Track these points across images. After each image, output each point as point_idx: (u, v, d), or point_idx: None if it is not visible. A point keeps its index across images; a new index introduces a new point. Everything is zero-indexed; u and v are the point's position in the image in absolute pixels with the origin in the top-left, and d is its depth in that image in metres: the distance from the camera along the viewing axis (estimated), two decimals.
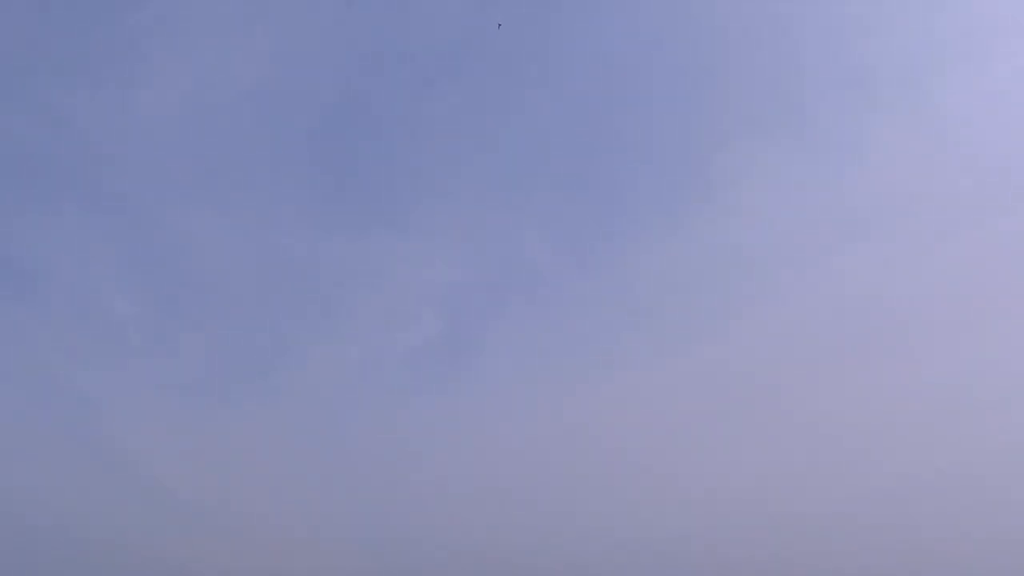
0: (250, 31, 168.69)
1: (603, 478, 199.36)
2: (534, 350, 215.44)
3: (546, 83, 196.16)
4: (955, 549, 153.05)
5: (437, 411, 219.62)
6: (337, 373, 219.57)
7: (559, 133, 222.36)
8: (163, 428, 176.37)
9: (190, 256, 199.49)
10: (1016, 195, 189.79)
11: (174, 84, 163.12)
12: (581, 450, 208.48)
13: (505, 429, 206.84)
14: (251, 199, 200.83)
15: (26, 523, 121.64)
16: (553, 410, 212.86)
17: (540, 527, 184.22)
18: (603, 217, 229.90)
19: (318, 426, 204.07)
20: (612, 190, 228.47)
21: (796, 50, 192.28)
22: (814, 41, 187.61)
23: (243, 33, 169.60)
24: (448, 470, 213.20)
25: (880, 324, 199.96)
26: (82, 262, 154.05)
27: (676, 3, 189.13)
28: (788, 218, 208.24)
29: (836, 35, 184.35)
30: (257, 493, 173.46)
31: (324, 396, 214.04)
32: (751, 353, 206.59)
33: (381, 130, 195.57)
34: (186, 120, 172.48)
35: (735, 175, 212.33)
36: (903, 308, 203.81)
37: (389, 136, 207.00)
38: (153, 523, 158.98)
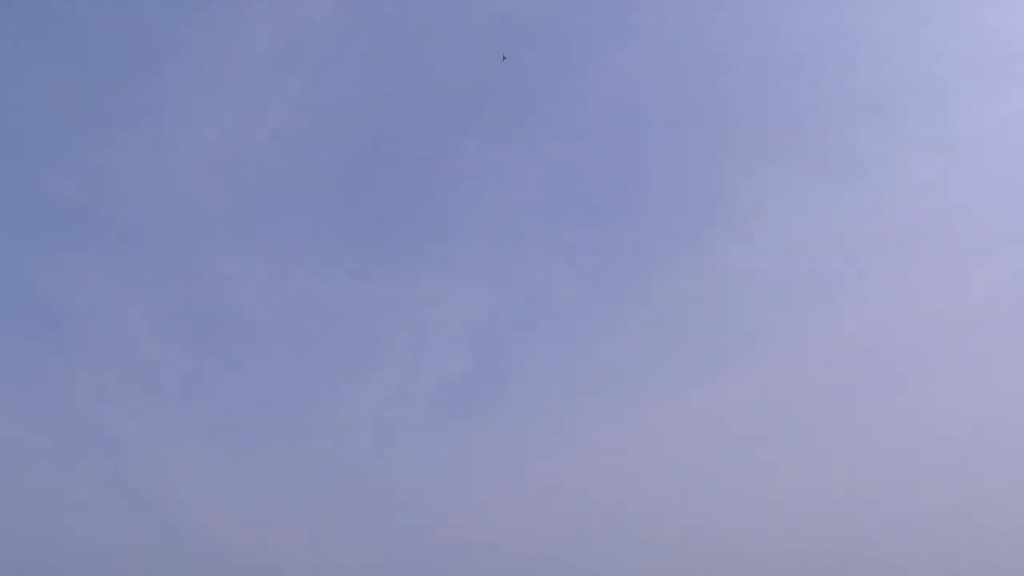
0: (277, 81, 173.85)
1: (633, 515, 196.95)
2: (561, 382, 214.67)
3: (567, 118, 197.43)
4: None
5: (465, 447, 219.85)
6: (367, 411, 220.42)
7: (581, 166, 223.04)
8: (197, 471, 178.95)
9: (224, 300, 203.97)
10: None
11: (205, 134, 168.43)
12: (610, 485, 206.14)
13: (534, 462, 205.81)
14: (283, 243, 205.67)
15: (61, 571, 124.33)
16: (582, 442, 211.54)
17: (571, 564, 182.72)
18: (627, 248, 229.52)
19: (349, 464, 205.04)
20: (635, 220, 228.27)
21: (817, 76, 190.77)
22: (835, 66, 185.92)
23: (270, 83, 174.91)
24: (478, 506, 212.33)
25: (907, 352, 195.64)
26: (117, 308, 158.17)
27: (695, 33, 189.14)
28: (812, 245, 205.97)
29: (857, 60, 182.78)
30: (292, 536, 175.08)
31: (355, 434, 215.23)
32: (780, 383, 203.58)
33: (407, 172, 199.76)
34: (218, 168, 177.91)
35: (758, 202, 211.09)
36: (931, 335, 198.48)
37: (415, 177, 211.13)
38: (190, 570, 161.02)
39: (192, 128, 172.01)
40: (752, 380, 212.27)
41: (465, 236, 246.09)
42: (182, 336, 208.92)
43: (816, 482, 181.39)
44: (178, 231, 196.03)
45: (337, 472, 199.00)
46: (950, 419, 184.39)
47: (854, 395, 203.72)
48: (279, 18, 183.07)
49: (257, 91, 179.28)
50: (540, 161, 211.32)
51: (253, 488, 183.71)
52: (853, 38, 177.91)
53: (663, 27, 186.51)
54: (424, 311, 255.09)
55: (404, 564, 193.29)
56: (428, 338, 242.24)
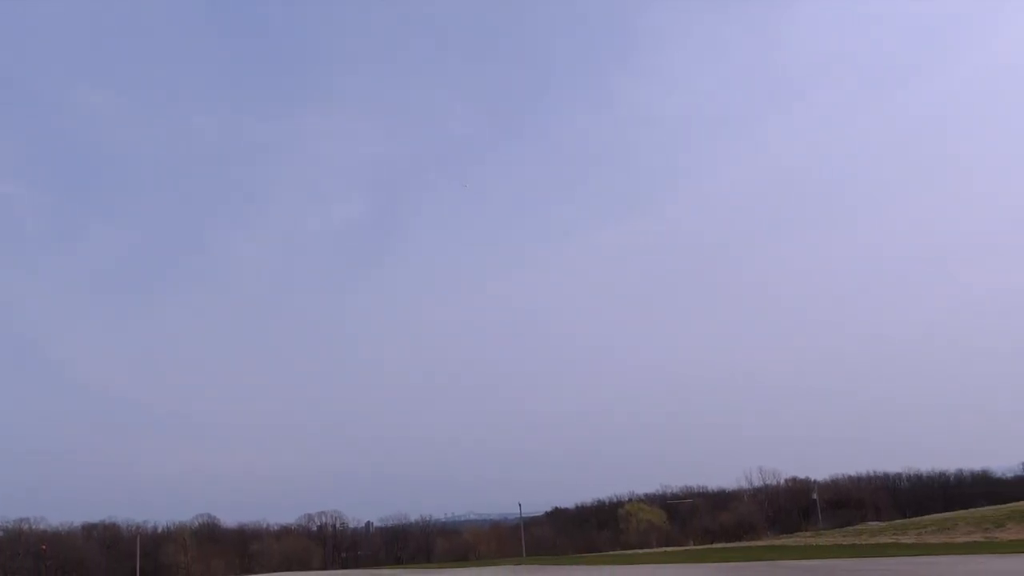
0: None
1: (542, 352, 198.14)
2: (466, 225, 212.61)
3: None
4: (898, 408, 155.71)
5: (368, 293, 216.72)
6: (260, 258, 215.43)
7: (482, 2, 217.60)
8: (83, 326, 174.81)
9: (86, 137, 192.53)
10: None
11: None
12: (521, 325, 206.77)
13: (441, 307, 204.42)
14: (150, 76, 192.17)
15: None
16: (490, 286, 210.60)
17: (482, 406, 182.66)
18: (529, 88, 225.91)
19: (244, 314, 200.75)
20: (536, 59, 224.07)
21: None
22: None
23: None
24: (384, 353, 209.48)
25: (815, 188, 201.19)
26: None
27: None
28: (715, 83, 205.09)
29: None
30: (188, 386, 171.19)
31: (248, 282, 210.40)
32: (690, 222, 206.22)
33: None
34: None
35: (659, 39, 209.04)
36: (839, 170, 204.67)
37: (300, 2, 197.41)
38: (85, 423, 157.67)
39: None
40: (664, 219, 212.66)
41: (362, 71, 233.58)
42: (40, 176, 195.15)
43: (732, 318, 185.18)
44: (27, 58, 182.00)
45: (231, 322, 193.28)
46: (866, 249, 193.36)
47: (769, 231, 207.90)
48: None
49: None
50: None
51: (143, 341, 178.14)
52: None
53: None
54: (314, 150, 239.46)
55: (299, 411, 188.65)
56: (320, 180, 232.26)
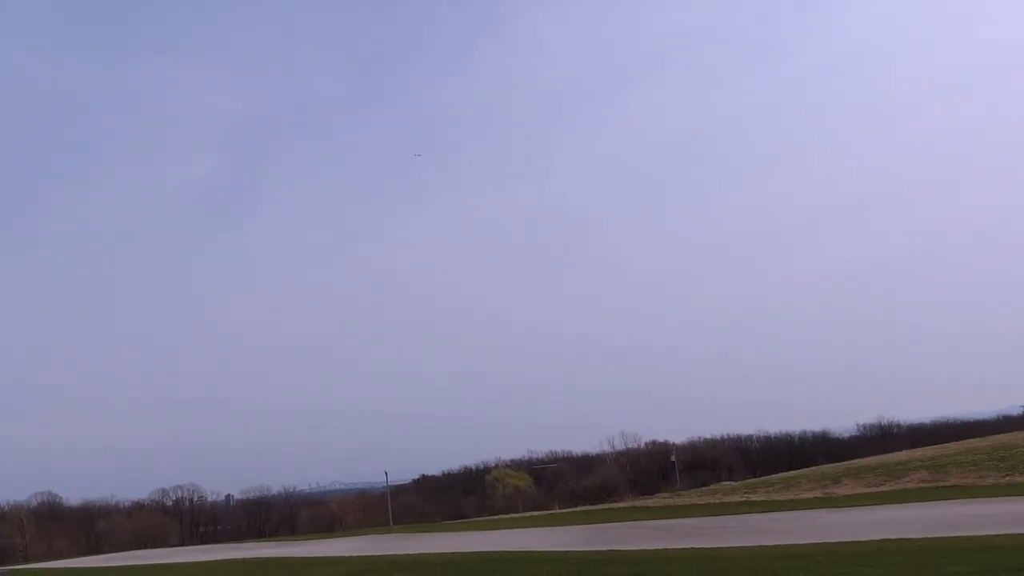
0: None
1: (405, 317, 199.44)
2: (330, 188, 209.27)
3: None
4: (748, 372, 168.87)
5: (222, 256, 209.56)
6: (100, 216, 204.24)
7: None
8: None
9: None
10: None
11: None
12: (385, 293, 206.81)
13: (304, 269, 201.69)
14: None
15: None
16: (352, 252, 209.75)
17: (345, 373, 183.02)
18: (395, 50, 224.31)
19: (81, 277, 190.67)
20: (405, 22, 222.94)
21: None
22: None
23: None
24: (241, 317, 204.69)
25: (689, 154, 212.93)
26: None
27: None
28: (584, 52, 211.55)
29: None
30: (22, 355, 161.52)
31: (86, 242, 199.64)
32: (566, 189, 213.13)
33: None
34: None
35: (525, 5, 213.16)
36: (709, 138, 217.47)
37: None
38: None
39: None
40: (539, 187, 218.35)
41: (218, 17, 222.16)
42: None
43: (608, 283, 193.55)
44: None
45: (66, 285, 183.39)
46: (749, 211, 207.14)
47: (644, 198, 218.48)
48: None
49: None
50: None
51: None
52: None
53: None
54: (165, 101, 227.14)
55: (147, 382, 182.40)
56: (169, 133, 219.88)
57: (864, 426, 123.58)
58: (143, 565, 41.19)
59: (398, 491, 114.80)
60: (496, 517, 69.40)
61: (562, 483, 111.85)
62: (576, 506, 76.58)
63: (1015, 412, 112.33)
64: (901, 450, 78.66)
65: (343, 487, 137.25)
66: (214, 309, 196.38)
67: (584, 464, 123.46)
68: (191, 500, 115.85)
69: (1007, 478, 38.71)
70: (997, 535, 18.51)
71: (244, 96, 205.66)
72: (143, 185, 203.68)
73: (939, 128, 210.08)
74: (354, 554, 33.22)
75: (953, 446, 66.49)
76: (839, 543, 20.16)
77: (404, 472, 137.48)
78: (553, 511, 72.10)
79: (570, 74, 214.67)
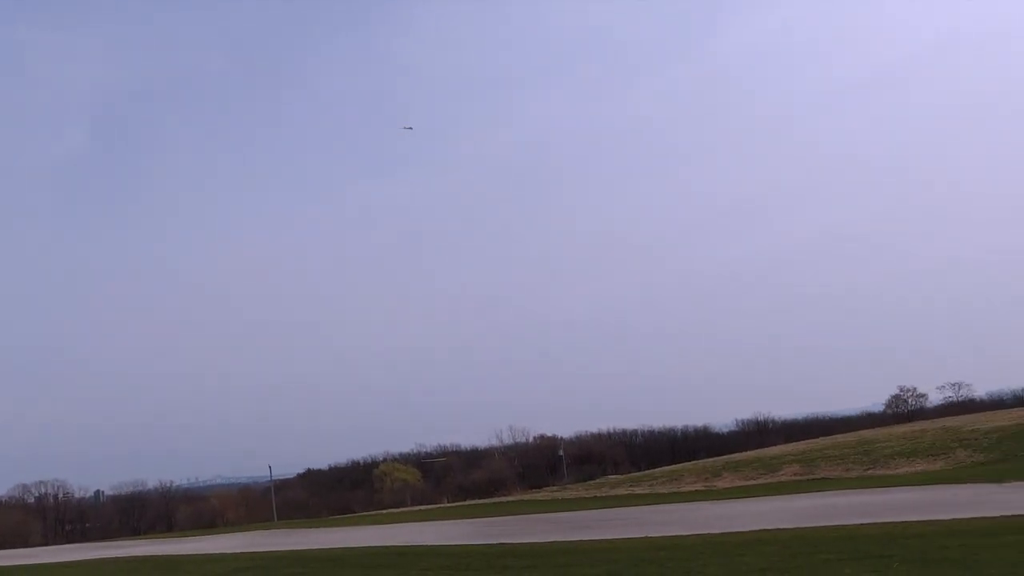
0: None
1: (291, 307, 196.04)
2: (212, 173, 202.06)
3: None
4: (634, 370, 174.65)
5: (93, 237, 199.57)
6: None
7: None
8: None
9: None
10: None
11: None
12: (271, 285, 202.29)
13: (175, 258, 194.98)
14: None
15: None
16: (236, 241, 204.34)
17: (226, 365, 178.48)
18: (288, 34, 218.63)
19: None
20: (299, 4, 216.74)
21: None
22: None
23: None
24: (117, 304, 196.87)
25: (560, 153, 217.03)
26: None
27: None
28: (465, 60, 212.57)
29: None
30: None
31: None
32: (449, 185, 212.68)
33: None
34: None
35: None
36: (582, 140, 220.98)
37: None
38: None
39: None
40: (428, 179, 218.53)
41: None
42: None
43: (483, 276, 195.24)
44: None
45: None
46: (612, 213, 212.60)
47: (518, 191, 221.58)
48: None
49: None
50: None
51: None
52: None
53: None
54: (24, 67, 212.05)
55: (34, 362, 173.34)
56: (32, 102, 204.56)
57: (742, 421, 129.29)
58: (5, 567, 38.64)
59: (282, 486, 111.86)
60: (384, 511, 68.79)
61: (451, 477, 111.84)
62: (465, 500, 76.75)
63: (878, 409, 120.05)
64: (776, 445, 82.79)
65: (224, 482, 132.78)
66: (84, 294, 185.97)
67: (473, 458, 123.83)
68: (56, 496, 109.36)
69: (870, 471, 41.36)
70: (862, 524, 19.73)
71: (120, 68, 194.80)
72: (14, 159, 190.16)
73: (807, 143, 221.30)
74: (237, 551, 32.19)
75: (822, 441, 70.54)
76: (720, 534, 21.01)
77: (289, 466, 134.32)
78: (442, 505, 72.06)
79: (453, 72, 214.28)
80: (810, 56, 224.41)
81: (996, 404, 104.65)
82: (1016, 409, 76.05)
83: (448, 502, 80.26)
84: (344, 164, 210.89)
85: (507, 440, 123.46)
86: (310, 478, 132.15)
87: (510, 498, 61.31)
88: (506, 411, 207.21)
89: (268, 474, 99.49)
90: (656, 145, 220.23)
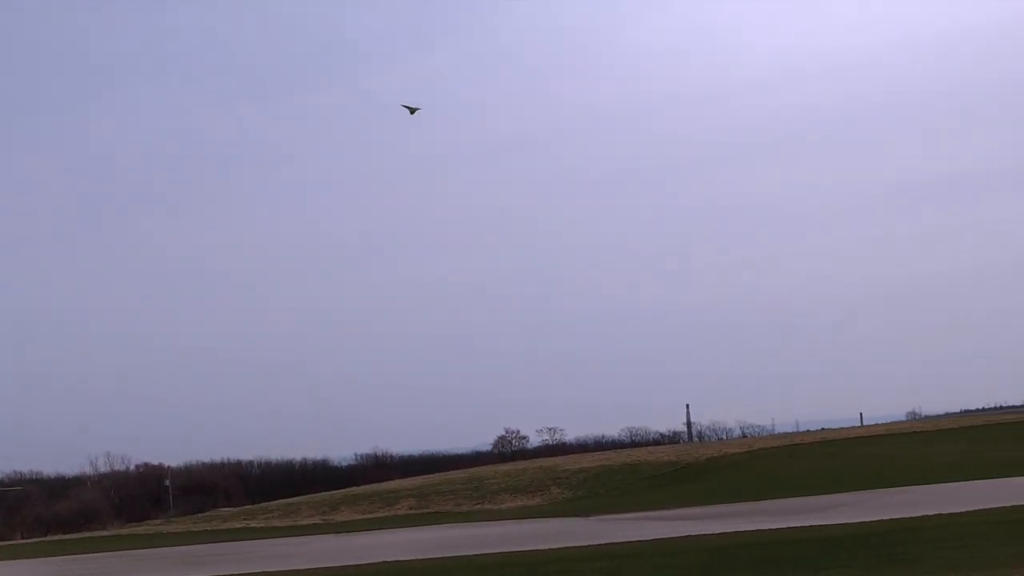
0: None
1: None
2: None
3: None
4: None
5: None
6: None
7: None
8: None
9: None
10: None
11: None
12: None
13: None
14: None
15: None
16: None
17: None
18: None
19: None
20: None
21: None
22: None
23: None
24: None
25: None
26: None
27: None
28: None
29: None
30: None
31: None
32: None
33: None
34: None
35: None
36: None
37: None
38: None
39: None
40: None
41: None
42: None
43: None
44: None
45: None
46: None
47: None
48: None
49: None
50: None
51: None
52: None
53: None
54: None
55: None
56: None
57: (361, 455, 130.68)
58: None
59: None
60: None
61: (28, 508, 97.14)
62: (45, 535, 67.22)
63: (486, 448, 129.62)
64: (393, 479, 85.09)
65: None
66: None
67: (58, 487, 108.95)
68: None
69: (478, 505, 44.49)
70: (477, 555, 21.12)
71: None
72: None
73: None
74: None
75: (436, 476, 74.17)
76: (339, 567, 21.02)
77: None
78: (15, 541, 62.29)
79: None
80: None
81: (583, 447, 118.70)
82: (598, 452, 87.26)
83: (23, 538, 69.73)
84: None
85: (103, 468, 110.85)
86: None
87: (104, 533, 55.08)
88: (103, 436, 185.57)
89: None
90: None
